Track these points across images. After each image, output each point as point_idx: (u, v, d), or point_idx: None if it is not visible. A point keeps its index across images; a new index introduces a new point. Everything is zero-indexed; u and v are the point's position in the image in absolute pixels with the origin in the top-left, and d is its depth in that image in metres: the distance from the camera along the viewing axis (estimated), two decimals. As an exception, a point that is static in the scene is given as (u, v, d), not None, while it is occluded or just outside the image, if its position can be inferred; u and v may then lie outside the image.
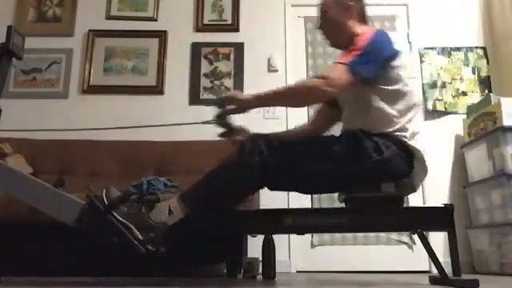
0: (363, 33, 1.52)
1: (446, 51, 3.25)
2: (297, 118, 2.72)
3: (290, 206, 2.83)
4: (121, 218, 1.33)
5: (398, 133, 1.48)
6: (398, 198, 1.54)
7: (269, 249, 2.18)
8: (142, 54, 3.25)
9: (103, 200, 1.34)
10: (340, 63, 1.45)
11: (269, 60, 3.22)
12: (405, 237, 2.94)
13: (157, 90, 3.17)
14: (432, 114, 3.15)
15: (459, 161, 3.04)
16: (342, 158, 1.43)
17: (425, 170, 1.53)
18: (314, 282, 1.87)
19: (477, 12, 3.34)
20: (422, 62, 3.23)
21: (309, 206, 2.95)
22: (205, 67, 3.22)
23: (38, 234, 2.03)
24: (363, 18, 1.70)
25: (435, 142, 3.08)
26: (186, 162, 2.67)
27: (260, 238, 2.27)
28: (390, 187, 1.48)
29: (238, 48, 3.25)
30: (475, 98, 3.11)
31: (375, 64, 1.45)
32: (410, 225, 1.59)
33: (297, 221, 1.50)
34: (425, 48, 3.25)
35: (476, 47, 3.26)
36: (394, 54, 1.50)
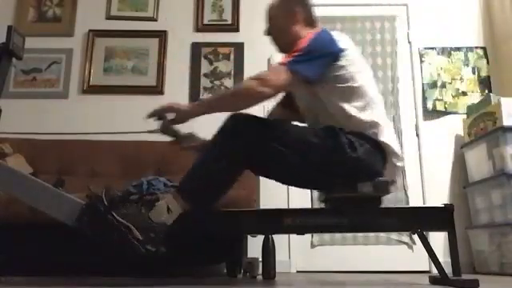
0: (305, 35, 1.54)
1: (446, 51, 3.25)
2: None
3: (290, 206, 2.83)
4: (120, 219, 1.33)
5: (368, 130, 1.48)
6: (376, 198, 1.54)
7: (269, 249, 2.18)
8: (141, 54, 3.25)
9: (103, 200, 1.34)
10: (279, 64, 1.46)
11: (269, 60, 3.21)
12: (405, 237, 2.94)
13: (157, 90, 3.17)
14: (432, 113, 3.15)
15: (459, 161, 3.04)
16: (320, 149, 1.44)
17: (398, 167, 1.55)
18: (314, 282, 1.87)
19: (477, 12, 3.34)
20: (421, 61, 3.23)
21: (309, 206, 2.95)
22: (205, 67, 3.22)
23: (38, 234, 2.03)
24: (311, 22, 1.71)
25: (435, 142, 3.09)
26: (186, 162, 2.66)
27: (260, 238, 2.27)
28: (367, 186, 1.48)
29: (238, 48, 3.25)
30: (475, 97, 3.11)
31: (316, 63, 1.46)
32: (410, 225, 1.59)
33: (297, 221, 1.50)
34: (425, 48, 3.25)
35: (476, 47, 3.26)
36: (337, 53, 1.49)
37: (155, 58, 3.24)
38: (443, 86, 3.19)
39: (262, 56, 3.20)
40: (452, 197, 2.99)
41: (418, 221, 1.54)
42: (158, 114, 1.55)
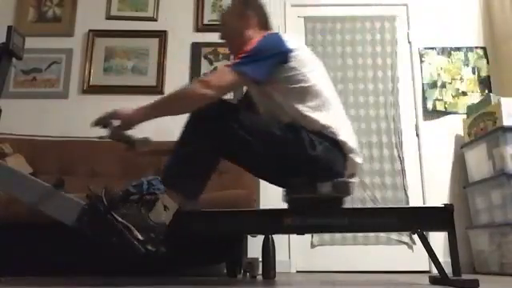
0: (255, 38, 1.55)
1: (446, 51, 3.25)
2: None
3: (290, 206, 2.83)
4: (120, 219, 1.33)
5: (325, 130, 1.48)
6: (337, 199, 1.54)
7: (269, 249, 2.18)
8: (141, 54, 3.25)
9: (103, 200, 1.34)
10: (225, 66, 1.47)
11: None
12: (405, 237, 2.94)
13: (157, 90, 3.16)
14: (432, 113, 3.15)
15: (459, 161, 3.04)
16: (281, 142, 1.44)
17: (358, 164, 1.55)
18: (314, 282, 1.87)
19: (477, 12, 3.34)
20: (422, 61, 3.23)
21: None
22: (205, 67, 3.22)
23: (38, 234, 2.03)
24: (264, 26, 1.72)
25: (435, 142, 3.09)
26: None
27: (260, 238, 2.27)
28: (327, 187, 1.47)
29: (238, 48, 3.24)
30: (475, 97, 3.11)
31: (263, 64, 1.46)
32: (410, 225, 1.59)
33: (297, 221, 1.50)
34: (425, 48, 3.25)
35: (476, 47, 3.26)
36: (285, 53, 1.49)
37: (155, 58, 3.24)
38: (443, 85, 3.19)
39: (261, 56, 3.20)
40: (452, 197, 2.99)
41: (418, 221, 1.54)
42: (103, 122, 1.54)
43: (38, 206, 1.43)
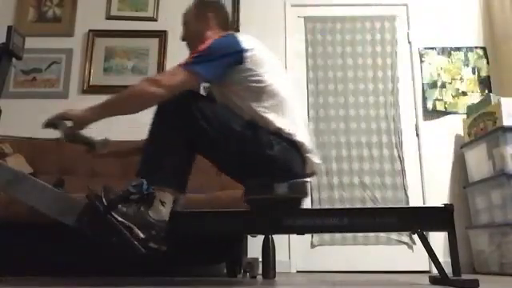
0: (210, 38, 1.55)
1: (446, 51, 3.25)
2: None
3: (290, 206, 2.83)
4: (121, 218, 1.33)
5: (282, 130, 1.47)
6: (295, 199, 1.53)
7: (269, 249, 2.18)
8: (141, 54, 3.25)
9: (102, 200, 1.34)
10: (177, 65, 1.47)
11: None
12: (405, 237, 2.94)
13: (157, 90, 3.16)
14: (432, 113, 3.15)
15: (459, 161, 3.05)
16: (239, 138, 1.44)
17: (316, 165, 1.55)
18: (314, 282, 1.87)
19: (477, 12, 3.34)
20: (422, 61, 3.23)
21: (309, 206, 2.95)
22: (205, 67, 3.21)
23: (38, 234, 2.03)
24: (225, 27, 1.72)
25: (435, 142, 3.09)
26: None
27: (260, 238, 2.27)
28: (283, 188, 1.47)
29: (238, 48, 3.24)
30: (475, 97, 3.11)
31: (215, 64, 1.45)
32: (410, 225, 1.59)
33: (297, 221, 1.50)
34: (425, 48, 3.25)
35: (476, 47, 3.26)
36: (239, 53, 1.48)
37: (155, 58, 3.24)
38: (443, 86, 3.19)
39: (261, 56, 3.20)
40: (452, 197, 2.99)
41: (418, 221, 1.54)
42: (52, 124, 1.52)
43: (38, 206, 1.43)
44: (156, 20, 3.33)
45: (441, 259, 1.53)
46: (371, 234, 2.93)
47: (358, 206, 2.93)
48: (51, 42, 3.25)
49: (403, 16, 3.33)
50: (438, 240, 2.46)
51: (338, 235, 2.93)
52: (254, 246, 2.36)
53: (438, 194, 2.96)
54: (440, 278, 1.54)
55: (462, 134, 3.05)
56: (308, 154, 1.52)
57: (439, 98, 3.17)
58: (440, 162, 3.06)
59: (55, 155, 2.76)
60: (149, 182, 1.40)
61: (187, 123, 1.43)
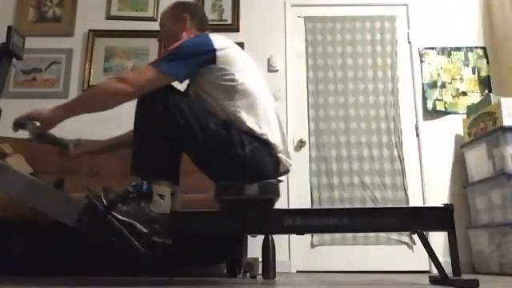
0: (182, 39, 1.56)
1: (446, 51, 3.25)
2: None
3: (290, 206, 2.83)
4: (121, 217, 1.33)
5: (255, 130, 1.47)
6: (267, 200, 1.52)
7: (269, 249, 2.18)
8: (141, 54, 3.25)
9: (102, 200, 1.34)
10: (147, 64, 1.48)
11: (269, 60, 3.22)
12: (405, 237, 2.94)
13: (157, 89, 3.16)
14: (432, 113, 3.15)
15: (459, 161, 3.05)
16: (212, 136, 1.43)
17: (285, 167, 1.55)
18: (314, 282, 1.87)
19: (477, 12, 3.34)
20: (422, 61, 3.23)
21: (309, 206, 2.95)
22: (205, 67, 3.21)
23: (38, 234, 2.03)
24: (201, 28, 1.73)
25: (435, 142, 3.09)
26: (186, 162, 2.67)
27: (260, 237, 2.27)
28: (253, 188, 1.46)
29: (238, 48, 3.24)
30: (475, 97, 3.11)
31: (185, 63, 1.46)
32: (409, 225, 1.59)
33: (297, 221, 1.50)
34: (425, 48, 3.25)
35: (476, 47, 3.26)
36: (210, 53, 1.48)
37: (155, 58, 3.23)
38: (443, 86, 3.20)
39: (262, 56, 3.21)
40: (452, 197, 2.99)
41: (418, 221, 1.54)
42: (19, 124, 1.51)
43: (38, 206, 1.43)
44: (156, 20, 3.32)
45: (441, 259, 1.54)
46: (371, 234, 2.93)
47: (358, 206, 2.93)
48: (51, 42, 3.25)
49: (403, 16, 3.33)
50: (438, 240, 2.46)
51: (337, 235, 2.93)
52: (254, 246, 2.36)
53: (438, 194, 2.96)
54: (440, 278, 1.54)
55: (462, 134, 3.05)
56: (280, 154, 1.52)
57: (439, 97, 3.17)
58: (440, 161, 3.06)
59: (55, 155, 2.75)
60: (143, 176, 1.41)
61: (164, 117, 1.42)
